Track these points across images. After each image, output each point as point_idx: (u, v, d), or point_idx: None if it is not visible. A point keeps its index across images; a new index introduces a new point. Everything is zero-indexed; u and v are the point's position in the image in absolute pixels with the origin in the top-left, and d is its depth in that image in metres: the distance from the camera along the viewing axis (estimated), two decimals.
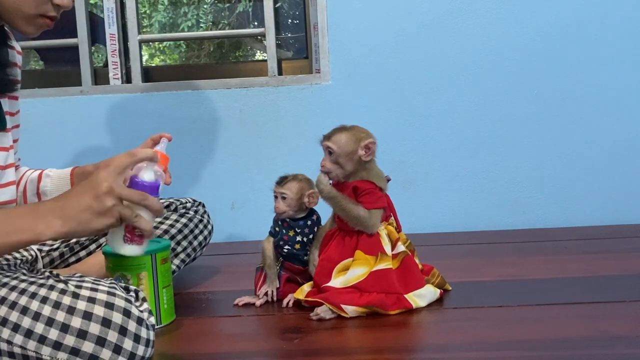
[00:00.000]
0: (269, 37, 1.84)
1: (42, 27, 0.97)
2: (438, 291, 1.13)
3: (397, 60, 1.77)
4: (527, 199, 1.81)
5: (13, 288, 0.77)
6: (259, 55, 2.39)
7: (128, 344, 0.74)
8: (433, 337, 0.98)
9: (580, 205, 1.80)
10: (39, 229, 0.79)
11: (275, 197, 1.16)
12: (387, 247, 1.09)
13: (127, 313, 0.75)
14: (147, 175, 0.94)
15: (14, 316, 0.75)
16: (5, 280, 0.79)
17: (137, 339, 0.75)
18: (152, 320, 0.79)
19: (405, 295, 1.08)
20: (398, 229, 1.14)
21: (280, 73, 1.87)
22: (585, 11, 1.75)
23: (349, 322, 1.04)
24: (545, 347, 0.90)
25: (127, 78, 1.91)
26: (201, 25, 2.36)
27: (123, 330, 0.74)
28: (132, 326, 0.75)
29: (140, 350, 0.76)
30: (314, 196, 1.14)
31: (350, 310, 1.05)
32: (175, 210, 1.30)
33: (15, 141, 1.18)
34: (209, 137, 1.81)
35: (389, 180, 1.15)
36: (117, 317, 0.74)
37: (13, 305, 0.75)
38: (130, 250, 0.92)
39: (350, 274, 1.07)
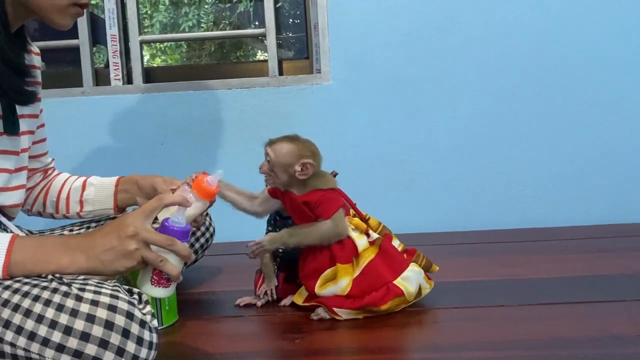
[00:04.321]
0: (269, 37, 1.84)
1: (75, 16, 0.97)
2: (422, 272, 1.10)
3: (397, 61, 1.78)
4: (527, 198, 1.81)
5: (16, 290, 0.77)
6: (260, 56, 2.39)
7: (131, 347, 0.75)
8: (434, 336, 0.99)
9: (581, 205, 1.80)
10: (64, 263, 0.82)
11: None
12: (360, 241, 1.06)
13: (130, 316, 0.76)
14: (177, 219, 0.94)
15: (17, 318, 0.75)
16: (8, 282, 0.79)
17: (140, 341, 0.76)
18: (155, 323, 0.80)
19: (394, 282, 1.06)
20: (362, 217, 1.11)
21: (281, 73, 1.87)
22: (585, 11, 1.75)
23: (349, 322, 1.05)
24: (546, 347, 0.91)
25: (128, 79, 1.91)
26: (202, 25, 2.36)
27: (126, 333, 0.75)
28: (135, 329, 0.75)
29: (143, 353, 0.76)
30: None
31: (343, 313, 1.05)
32: None
33: (43, 140, 1.20)
34: (210, 138, 1.82)
35: (335, 175, 1.12)
36: (120, 320, 0.75)
37: (16, 308, 0.76)
38: (156, 292, 0.93)
39: (338, 285, 1.05)
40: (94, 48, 1.98)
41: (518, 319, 1.03)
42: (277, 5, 1.97)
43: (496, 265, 1.37)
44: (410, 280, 1.07)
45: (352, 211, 1.10)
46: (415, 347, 0.97)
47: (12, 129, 0.98)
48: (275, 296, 1.16)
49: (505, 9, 1.76)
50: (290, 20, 2.18)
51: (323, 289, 1.06)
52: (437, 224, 1.80)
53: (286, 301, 1.15)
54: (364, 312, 1.05)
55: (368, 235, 1.08)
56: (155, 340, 0.78)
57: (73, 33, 1.85)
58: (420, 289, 1.09)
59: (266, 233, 1.16)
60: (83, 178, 1.24)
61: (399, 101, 1.79)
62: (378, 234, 1.10)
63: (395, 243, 1.13)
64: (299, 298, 1.12)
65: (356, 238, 1.07)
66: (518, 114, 1.79)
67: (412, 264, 1.10)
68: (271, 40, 1.84)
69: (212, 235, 1.35)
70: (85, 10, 1.00)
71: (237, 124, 1.81)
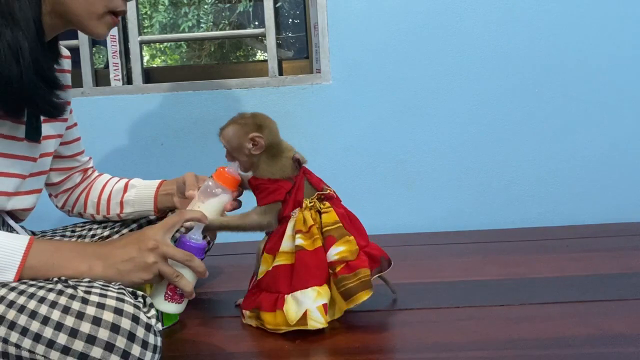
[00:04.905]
0: (269, 37, 1.84)
1: (110, 26, 0.97)
2: (321, 301, 0.96)
3: (397, 60, 1.78)
4: (528, 197, 1.81)
5: (22, 292, 0.77)
6: (259, 56, 2.39)
7: (136, 350, 0.75)
8: (434, 336, 0.98)
9: (582, 204, 1.80)
10: (81, 269, 0.83)
11: None
12: (285, 241, 1.01)
13: (135, 319, 0.76)
14: (194, 236, 0.96)
15: (22, 320, 0.75)
16: (14, 284, 0.79)
17: (145, 345, 0.76)
18: (159, 326, 0.80)
19: (286, 295, 0.99)
20: (332, 200, 1.03)
21: (280, 73, 1.87)
22: (585, 10, 1.75)
23: (349, 322, 1.04)
24: (546, 346, 0.91)
25: (128, 79, 1.91)
26: (202, 25, 2.36)
27: (131, 336, 0.75)
28: (140, 332, 0.76)
29: (148, 356, 0.76)
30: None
31: (246, 315, 1.05)
32: None
33: (76, 140, 1.21)
34: (210, 138, 1.80)
35: (298, 161, 1.04)
36: (125, 323, 0.75)
37: (22, 309, 0.75)
38: (168, 307, 0.95)
39: (260, 271, 1.06)
40: (94, 48, 1.98)
41: (518, 319, 1.03)
42: (277, 5, 1.97)
43: (496, 264, 1.37)
44: (298, 302, 0.97)
45: (306, 202, 1.01)
46: (415, 347, 0.96)
47: (34, 135, 0.98)
48: None
49: (505, 8, 1.76)
50: (290, 20, 2.18)
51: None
52: (437, 224, 1.80)
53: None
54: (257, 319, 1.03)
55: (311, 235, 1.00)
56: (159, 343, 0.78)
57: (73, 34, 1.85)
58: (306, 317, 0.95)
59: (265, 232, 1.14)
60: (125, 180, 1.25)
61: (398, 101, 1.79)
62: (323, 233, 1.00)
63: (335, 250, 0.98)
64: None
65: (284, 239, 1.02)
66: (518, 113, 1.79)
67: (314, 287, 0.97)
68: (271, 40, 1.84)
69: (214, 238, 1.35)
70: None
71: None
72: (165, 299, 0.94)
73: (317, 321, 0.96)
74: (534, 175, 1.80)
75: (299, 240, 0.99)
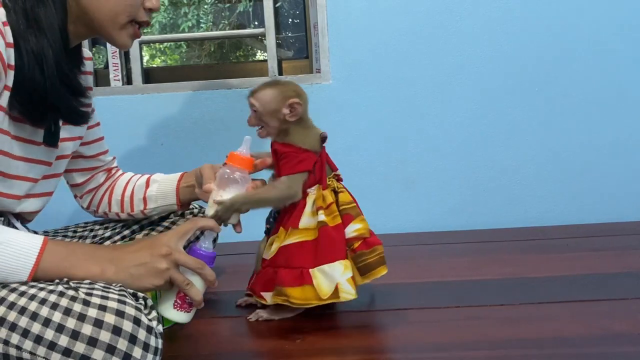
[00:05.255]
0: (268, 37, 1.84)
1: (134, 36, 0.99)
2: (349, 274, 1.00)
3: (397, 60, 1.77)
4: (528, 197, 1.81)
5: (22, 293, 0.77)
6: (259, 55, 2.39)
7: (137, 352, 0.75)
8: (434, 336, 0.98)
9: (582, 203, 1.80)
10: (93, 272, 0.83)
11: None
12: (304, 218, 1.00)
13: (137, 321, 0.76)
14: (205, 244, 0.97)
15: (23, 321, 0.75)
16: (14, 285, 0.79)
17: (146, 347, 0.76)
18: (160, 328, 0.80)
19: (310, 270, 0.98)
20: (335, 188, 1.03)
21: (280, 73, 1.87)
22: (585, 9, 1.75)
23: (349, 322, 1.05)
24: (547, 346, 0.91)
25: (128, 79, 1.91)
26: (201, 25, 2.36)
27: (133, 339, 0.75)
28: (142, 335, 0.76)
29: (149, 358, 0.76)
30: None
31: (268, 296, 1.02)
32: (182, 215, 1.29)
33: (99, 139, 1.22)
34: (210, 138, 1.81)
35: (324, 137, 1.04)
36: (127, 326, 0.75)
37: (22, 311, 0.75)
38: (177, 316, 0.95)
39: (272, 249, 1.03)
40: (94, 48, 1.98)
41: (518, 319, 1.02)
42: (277, 5, 1.97)
43: (497, 263, 1.37)
44: (327, 275, 0.98)
45: (328, 181, 1.03)
46: (415, 346, 0.96)
47: (52, 140, 0.98)
48: None
49: (505, 8, 1.76)
50: (290, 20, 2.18)
51: (267, 250, 1.04)
52: (437, 223, 1.80)
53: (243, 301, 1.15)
54: (280, 295, 0.99)
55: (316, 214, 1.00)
56: (160, 346, 0.79)
57: None
58: (337, 290, 0.98)
59: (265, 231, 1.13)
60: (147, 175, 1.24)
61: (398, 100, 1.78)
62: (340, 211, 1.02)
63: (353, 227, 1.02)
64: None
65: (303, 215, 1.00)
66: (518, 113, 1.79)
67: (341, 261, 0.99)
68: (270, 40, 1.84)
69: (215, 240, 1.35)
70: None
71: (237, 124, 1.81)
72: (174, 308, 0.94)
73: (349, 293, 0.98)
74: (534, 174, 1.80)
75: (322, 216, 0.99)
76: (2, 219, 0.98)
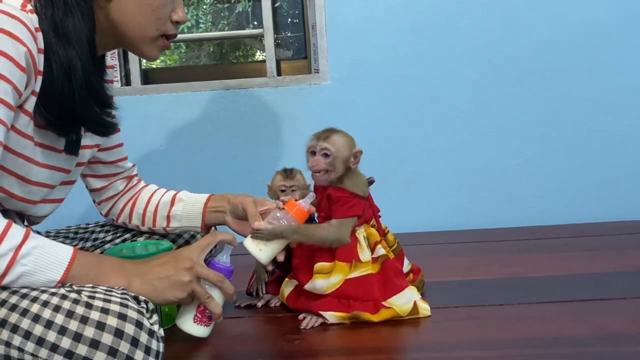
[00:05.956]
0: (267, 37, 1.84)
1: (163, 48, 0.99)
2: (419, 296, 1.07)
3: (396, 60, 1.77)
4: (527, 196, 1.81)
5: (24, 296, 0.77)
6: (258, 56, 2.39)
7: (139, 355, 0.75)
8: (434, 336, 0.98)
9: (580, 202, 1.80)
10: (120, 284, 0.84)
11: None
12: (363, 253, 1.04)
13: (139, 325, 0.76)
14: (223, 258, 0.99)
15: (25, 323, 0.75)
16: (16, 287, 0.79)
17: (147, 350, 0.76)
18: (162, 332, 0.80)
19: (384, 302, 1.03)
20: (380, 231, 1.10)
21: (279, 73, 1.87)
22: (584, 10, 1.75)
23: (347, 323, 1.04)
24: (546, 345, 0.91)
25: (127, 80, 1.91)
26: (201, 25, 2.36)
27: (135, 342, 0.75)
28: (143, 338, 0.76)
29: None
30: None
31: (329, 316, 1.03)
32: None
33: (119, 146, 1.19)
34: (209, 139, 1.81)
35: (372, 182, 1.11)
36: (129, 329, 0.75)
37: (24, 313, 0.75)
38: (196, 330, 0.96)
39: (329, 280, 1.04)
40: None
41: (518, 318, 1.02)
42: (275, 6, 1.97)
43: (496, 264, 1.37)
44: (403, 297, 1.05)
45: (372, 221, 1.09)
46: (415, 347, 0.97)
47: (73, 149, 0.98)
48: (263, 293, 1.16)
49: (505, 8, 1.76)
50: (289, 20, 2.18)
51: (313, 280, 1.04)
52: (436, 223, 1.80)
53: (275, 302, 1.15)
54: (353, 318, 1.03)
55: (373, 250, 1.06)
56: (162, 349, 0.79)
57: None
58: (416, 307, 1.05)
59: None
60: (172, 192, 1.21)
61: (397, 101, 1.78)
62: (393, 251, 1.09)
63: (406, 262, 1.12)
64: (283, 294, 1.12)
65: (359, 250, 1.04)
66: (517, 112, 1.79)
67: (409, 287, 1.07)
68: (269, 41, 1.84)
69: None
70: None
71: (235, 124, 1.81)
72: (195, 322, 0.95)
73: (425, 309, 1.06)
74: (533, 174, 1.80)
75: (382, 250, 1.06)
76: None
